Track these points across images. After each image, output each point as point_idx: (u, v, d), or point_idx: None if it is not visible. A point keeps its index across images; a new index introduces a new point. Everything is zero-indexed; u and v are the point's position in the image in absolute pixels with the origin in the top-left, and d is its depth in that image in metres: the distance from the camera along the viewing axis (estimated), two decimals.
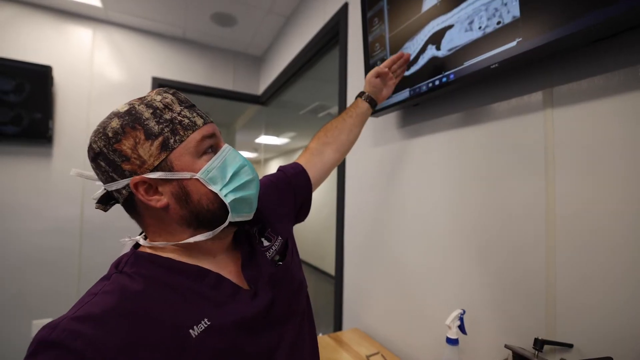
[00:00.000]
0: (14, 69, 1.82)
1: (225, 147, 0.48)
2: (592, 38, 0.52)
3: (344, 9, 1.41)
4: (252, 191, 0.49)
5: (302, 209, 0.72)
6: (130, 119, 0.42)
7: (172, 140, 0.43)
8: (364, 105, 0.84)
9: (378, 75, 0.84)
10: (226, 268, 0.50)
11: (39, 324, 1.88)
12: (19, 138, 1.84)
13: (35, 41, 1.93)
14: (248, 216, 0.50)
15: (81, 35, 2.06)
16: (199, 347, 0.40)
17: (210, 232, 0.47)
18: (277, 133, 4.52)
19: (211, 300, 0.45)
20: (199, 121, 0.46)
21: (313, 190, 0.74)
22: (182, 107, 0.46)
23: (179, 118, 0.44)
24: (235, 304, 0.46)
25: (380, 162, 1.15)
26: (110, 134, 0.42)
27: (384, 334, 1.08)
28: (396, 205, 1.06)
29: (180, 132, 0.44)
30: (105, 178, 0.44)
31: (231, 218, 0.47)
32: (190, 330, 0.40)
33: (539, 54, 0.58)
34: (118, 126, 0.42)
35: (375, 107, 0.87)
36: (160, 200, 0.44)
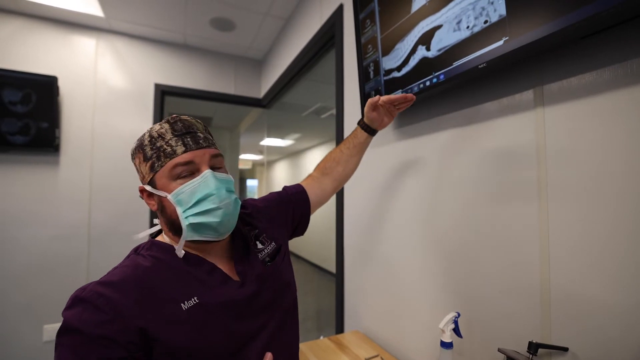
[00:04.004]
0: (20, 80, 1.87)
1: (204, 174, 0.54)
2: (580, 34, 0.51)
3: (339, 10, 1.41)
4: (215, 219, 0.53)
5: (300, 224, 0.80)
6: (139, 144, 0.56)
7: (156, 165, 0.54)
8: (362, 135, 0.84)
9: (374, 109, 0.80)
10: (222, 263, 0.59)
11: (49, 328, 1.93)
12: (27, 147, 1.89)
13: (41, 52, 1.98)
14: (215, 238, 0.56)
15: (85, 45, 2.10)
16: (187, 318, 0.49)
17: (178, 246, 0.54)
18: (281, 135, 4.53)
19: (203, 283, 0.54)
20: (179, 150, 0.53)
21: (313, 210, 0.83)
22: (171, 136, 0.54)
23: (164, 147, 0.54)
24: (223, 289, 0.55)
25: (378, 163, 1.14)
26: (131, 153, 0.58)
27: (384, 336, 1.07)
28: (393, 207, 1.05)
29: (162, 159, 0.53)
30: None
31: (190, 237, 0.53)
32: (182, 304, 0.50)
33: (526, 53, 0.57)
34: (134, 148, 0.57)
35: (375, 134, 0.85)
36: (154, 206, 0.56)
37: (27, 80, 1.89)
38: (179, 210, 0.52)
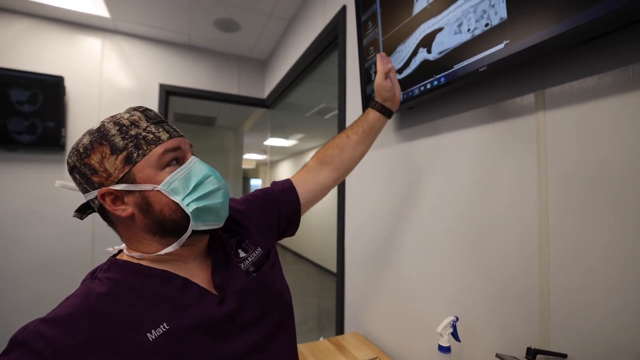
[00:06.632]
0: (28, 80, 1.90)
1: (192, 159, 0.51)
2: (581, 39, 0.50)
3: (342, 11, 1.41)
4: (218, 200, 0.50)
5: (289, 225, 0.71)
6: (98, 136, 0.46)
7: (135, 155, 0.46)
8: (374, 116, 0.75)
9: (386, 77, 0.73)
10: (197, 275, 0.51)
11: None
12: (34, 146, 1.92)
13: (48, 53, 2.01)
14: (216, 224, 0.51)
15: (91, 46, 2.12)
16: (155, 350, 0.42)
17: (175, 243, 0.48)
18: (285, 135, 4.55)
19: (174, 304, 0.46)
20: (164, 136, 0.49)
21: (306, 208, 0.73)
22: (148, 124, 0.49)
23: (143, 134, 0.47)
24: (199, 307, 0.47)
25: (379, 165, 1.14)
26: (81, 150, 0.46)
27: (384, 338, 1.07)
28: (394, 210, 1.05)
29: (144, 147, 0.47)
30: (81, 189, 0.49)
31: (195, 227, 0.48)
32: (148, 334, 0.42)
33: (526, 56, 0.57)
34: (88, 142, 0.46)
35: (390, 115, 0.77)
36: (125, 210, 0.47)
37: (34, 80, 1.91)
38: (178, 199, 0.46)
